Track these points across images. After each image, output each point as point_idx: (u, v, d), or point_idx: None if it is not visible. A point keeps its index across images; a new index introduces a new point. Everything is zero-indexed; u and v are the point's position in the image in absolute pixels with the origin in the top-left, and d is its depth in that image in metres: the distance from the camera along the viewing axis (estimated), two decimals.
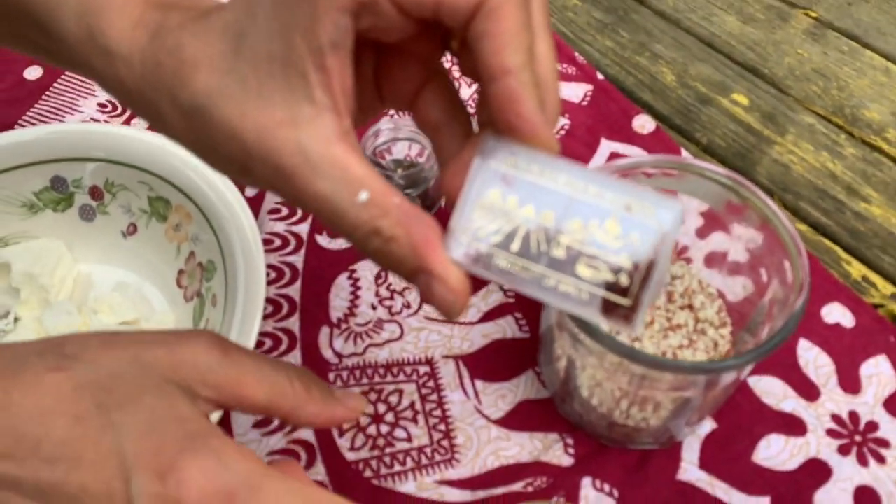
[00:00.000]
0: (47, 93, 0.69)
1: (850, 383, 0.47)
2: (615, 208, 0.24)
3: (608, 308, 0.24)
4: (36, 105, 0.68)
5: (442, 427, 0.46)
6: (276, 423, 0.46)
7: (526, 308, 0.51)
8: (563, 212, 0.25)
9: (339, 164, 0.26)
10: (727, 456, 0.44)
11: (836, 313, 0.49)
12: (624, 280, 0.24)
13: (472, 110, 0.29)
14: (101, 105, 0.68)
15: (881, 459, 0.44)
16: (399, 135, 0.54)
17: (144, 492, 0.26)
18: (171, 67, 0.28)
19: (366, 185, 0.26)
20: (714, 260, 0.47)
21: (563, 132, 0.59)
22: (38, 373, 0.28)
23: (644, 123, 0.60)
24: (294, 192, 0.26)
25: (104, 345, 0.29)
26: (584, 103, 0.61)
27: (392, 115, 0.58)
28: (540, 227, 0.25)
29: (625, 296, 0.24)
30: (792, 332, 0.36)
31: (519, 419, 0.46)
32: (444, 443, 0.45)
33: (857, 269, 0.53)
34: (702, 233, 0.48)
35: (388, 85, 0.30)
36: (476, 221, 0.26)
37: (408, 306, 0.51)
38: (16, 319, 0.54)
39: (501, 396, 0.47)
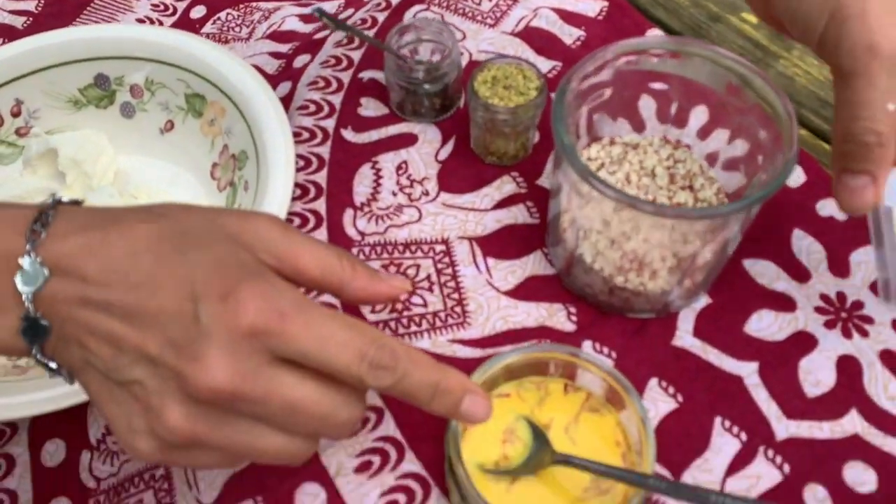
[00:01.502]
0: (88, 8, 0.73)
1: (840, 268, 0.50)
2: None
3: None
4: (77, 19, 0.72)
5: (455, 296, 0.49)
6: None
7: (537, 198, 0.54)
8: None
9: None
10: (720, 326, 0.48)
11: (830, 208, 0.52)
12: None
13: None
14: (139, 20, 0.72)
15: (864, 333, 0.47)
16: (423, 36, 0.57)
17: (209, 311, 0.31)
18: None
19: None
20: (713, 158, 0.50)
21: (578, 43, 0.62)
22: (132, 223, 0.33)
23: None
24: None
25: (185, 208, 0.35)
26: (600, 18, 0.64)
27: (414, 15, 0.62)
28: None
29: None
30: (788, 175, 0.39)
31: (526, 291, 0.50)
32: (457, 309, 0.49)
33: None
34: (704, 133, 0.51)
35: None
36: None
37: (426, 194, 0.54)
38: None
39: (511, 272, 0.51)
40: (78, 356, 0.33)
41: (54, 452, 0.48)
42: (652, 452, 0.38)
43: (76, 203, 0.36)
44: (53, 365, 0.34)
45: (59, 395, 0.45)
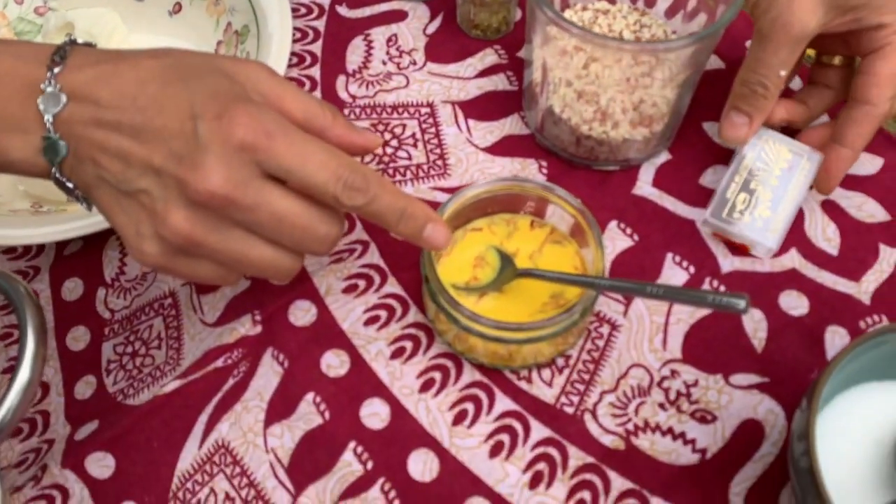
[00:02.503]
0: None
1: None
2: None
3: None
4: None
5: (437, 151, 0.54)
6: None
7: (516, 68, 0.58)
8: None
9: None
10: (677, 178, 0.52)
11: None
12: None
13: None
14: None
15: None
16: None
17: (206, 127, 0.35)
18: None
19: None
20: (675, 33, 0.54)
21: None
22: (140, 58, 0.38)
23: None
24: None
25: (187, 51, 0.40)
26: None
27: None
28: None
29: None
30: (734, 15, 0.44)
31: (503, 148, 0.54)
32: (439, 162, 0.54)
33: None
34: (670, 12, 0.54)
35: None
36: None
37: (414, 63, 0.59)
38: None
39: (490, 132, 0.55)
40: (92, 173, 0.38)
41: (73, 289, 0.54)
42: (604, 265, 0.43)
43: (89, 45, 0.40)
44: (70, 185, 0.39)
45: (74, 227, 0.50)
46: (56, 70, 0.37)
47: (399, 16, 0.61)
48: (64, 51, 0.38)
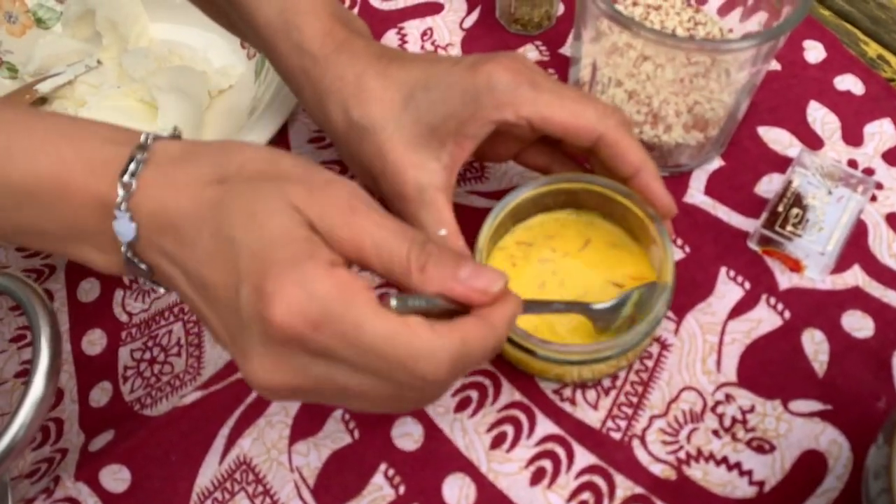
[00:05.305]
0: None
1: (853, 138, 0.51)
2: None
3: None
4: None
5: None
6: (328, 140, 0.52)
7: (559, 66, 0.55)
8: None
9: (439, 208, 0.39)
10: (730, 186, 0.49)
11: (848, 82, 0.53)
12: None
13: None
14: None
15: (873, 198, 0.48)
16: None
17: (246, 304, 0.30)
18: (353, 87, 0.40)
19: (447, 226, 0.39)
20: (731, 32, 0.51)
21: None
22: (201, 178, 0.32)
23: None
24: (403, 210, 0.40)
25: (259, 174, 0.32)
26: None
27: None
28: None
29: None
30: (803, 15, 0.40)
31: None
32: (476, 164, 0.51)
33: (873, 49, 0.56)
34: (723, 10, 0.51)
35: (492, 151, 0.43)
36: None
37: None
38: (98, 61, 0.60)
39: None
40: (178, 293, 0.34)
41: (89, 290, 0.51)
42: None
43: (175, 137, 0.35)
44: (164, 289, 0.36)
45: None
46: (129, 189, 0.32)
47: (435, 8, 0.58)
48: (137, 162, 0.32)
